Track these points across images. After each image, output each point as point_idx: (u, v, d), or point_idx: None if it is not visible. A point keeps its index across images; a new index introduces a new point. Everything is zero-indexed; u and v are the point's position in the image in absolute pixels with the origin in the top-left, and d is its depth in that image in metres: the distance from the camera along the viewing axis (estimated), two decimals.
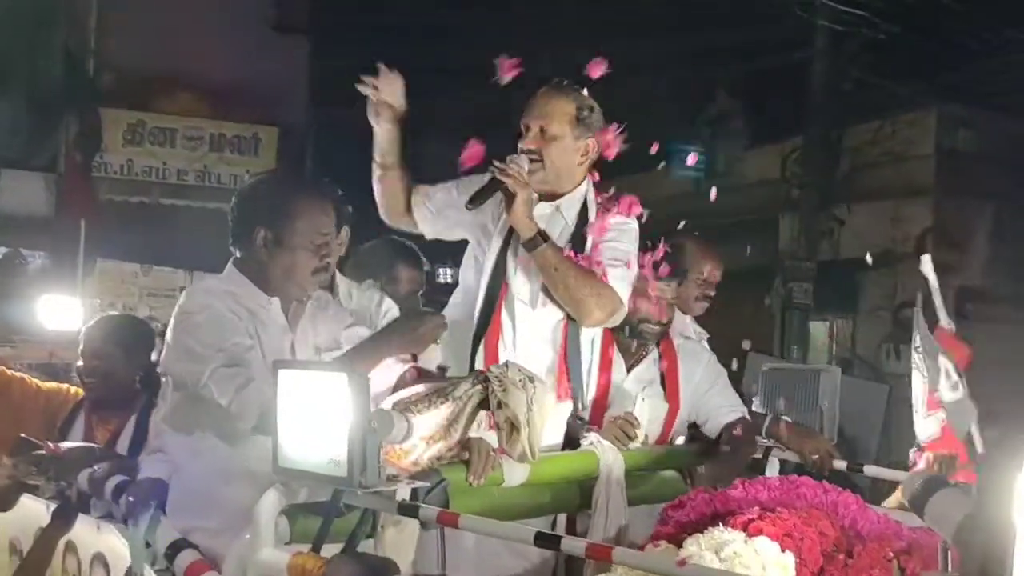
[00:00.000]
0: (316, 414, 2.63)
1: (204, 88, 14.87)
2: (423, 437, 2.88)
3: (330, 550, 2.72)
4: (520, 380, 2.98)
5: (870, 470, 3.92)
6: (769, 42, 14.25)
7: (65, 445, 3.73)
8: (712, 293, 4.53)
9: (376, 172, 3.84)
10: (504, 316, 3.66)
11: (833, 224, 14.46)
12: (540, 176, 3.70)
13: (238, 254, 3.27)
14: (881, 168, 14.38)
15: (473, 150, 3.73)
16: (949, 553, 2.19)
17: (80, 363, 4.28)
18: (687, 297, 4.44)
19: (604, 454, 3.40)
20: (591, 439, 3.47)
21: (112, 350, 4.22)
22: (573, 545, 2.50)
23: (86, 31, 13.88)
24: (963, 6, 13.57)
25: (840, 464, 3.86)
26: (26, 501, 3.72)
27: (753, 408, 4.11)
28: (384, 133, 3.76)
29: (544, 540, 2.51)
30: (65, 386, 4.57)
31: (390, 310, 3.92)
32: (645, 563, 2.46)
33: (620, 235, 3.73)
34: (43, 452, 3.62)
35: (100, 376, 4.20)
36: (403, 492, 2.82)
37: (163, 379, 3.37)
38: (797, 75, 14.32)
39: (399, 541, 2.98)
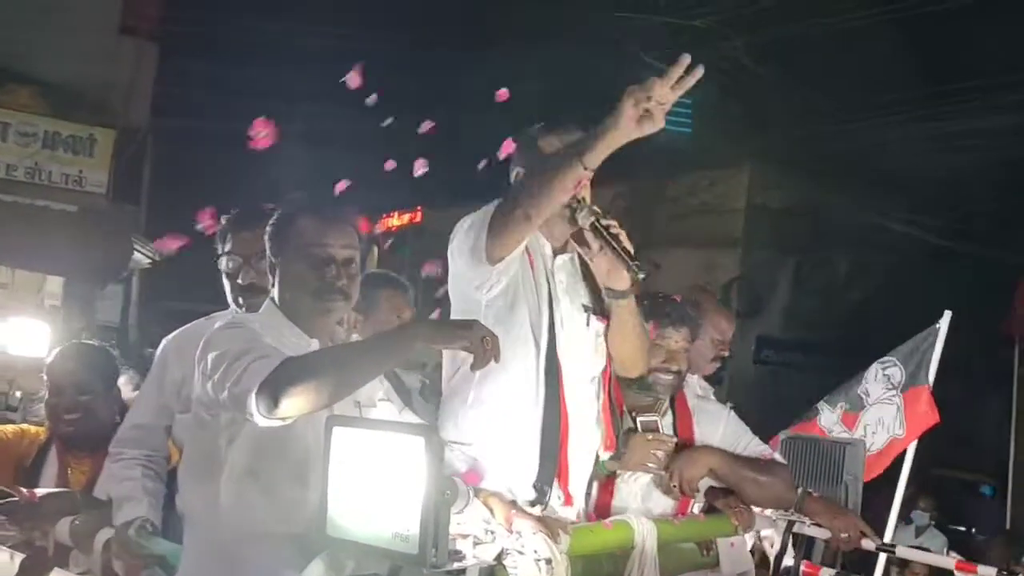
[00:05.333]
0: (379, 480, 2.23)
1: (42, 84, 13.75)
2: None
3: None
4: (537, 562, 2.67)
5: (902, 552, 3.68)
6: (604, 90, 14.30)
7: (40, 491, 3.12)
8: (726, 354, 4.09)
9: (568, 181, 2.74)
10: (567, 396, 3.08)
11: (650, 267, 14.55)
12: None
13: (274, 294, 2.79)
14: (697, 218, 14.66)
15: None
16: None
17: (51, 397, 3.60)
18: (700, 356, 3.96)
19: (640, 526, 3.08)
20: (626, 514, 3.14)
21: (96, 384, 3.59)
22: None
23: None
24: (778, 76, 14.06)
25: (869, 544, 3.56)
26: None
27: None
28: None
29: None
30: (26, 427, 3.83)
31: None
32: None
33: None
34: (15, 500, 3.00)
35: (84, 412, 3.55)
36: (470, 572, 2.44)
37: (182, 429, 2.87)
38: None
39: None
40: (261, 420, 2.42)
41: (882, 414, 4.90)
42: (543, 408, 3.03)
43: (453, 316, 3.07)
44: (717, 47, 14.06)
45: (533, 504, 2.95)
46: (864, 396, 4.95)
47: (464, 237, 2.99)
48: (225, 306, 3.27)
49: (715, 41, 14.09)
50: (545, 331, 3.07)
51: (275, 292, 2.78)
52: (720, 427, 3.57)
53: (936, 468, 11.36)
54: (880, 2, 12.67)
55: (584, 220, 3.01)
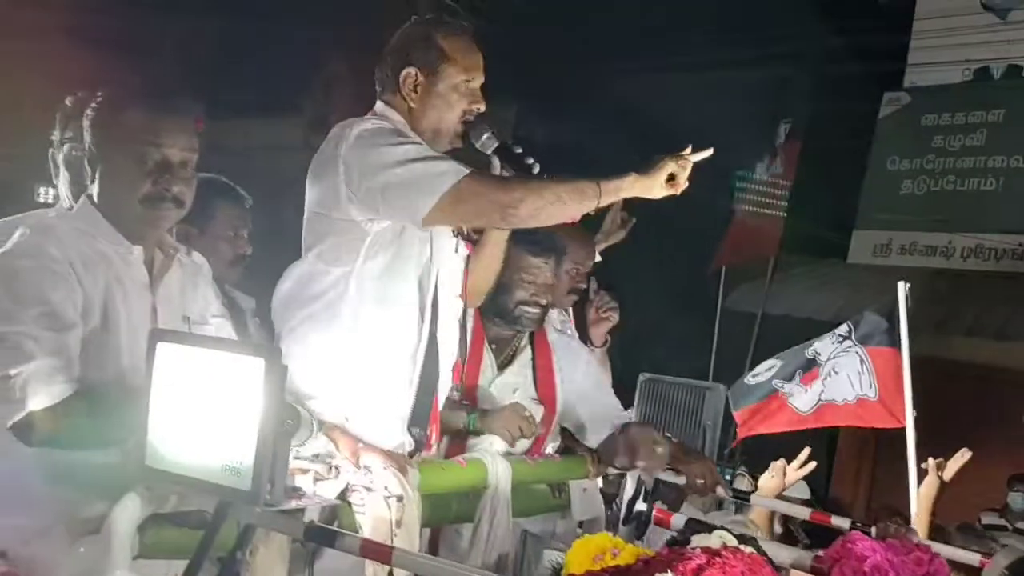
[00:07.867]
0: (209, 405, 1.89)
1: None
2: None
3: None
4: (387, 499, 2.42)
5: (756, 500, 3.53)
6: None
7: None
8: (583, 287, 3.75)
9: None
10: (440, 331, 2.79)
11: None
12: None
13: (92, 192, 2.37)
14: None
15: None
16: None
17: None
18: (558, 290, 3.63)
19: (495, 465, 2.82)
20: (482, 445, 2.93)
21: None
22: None
23: None
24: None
25: (723, 492, 3.37)
26: None
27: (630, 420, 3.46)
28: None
29: None
30: None
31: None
32: None
33: None
34: None
35: None
36: (311, 512, 2.15)
37: None
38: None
39: (269, 560, 2.26)
40: None
41: (841, 365, 4.25)
42: (425, 345, 2.69)
43: (312, 231, 2.69)
44: None
45: (412, 454, 2.66)
46: (816, 355, 4.35)
47: (390, 181, 2.51)
48: None
49: None
50: (428, 260, 2.70)
51: (93, 189, 2.37)
52: (581, 364, 3.38)
53: None
54: None
55: (487, 146, 2.67)
